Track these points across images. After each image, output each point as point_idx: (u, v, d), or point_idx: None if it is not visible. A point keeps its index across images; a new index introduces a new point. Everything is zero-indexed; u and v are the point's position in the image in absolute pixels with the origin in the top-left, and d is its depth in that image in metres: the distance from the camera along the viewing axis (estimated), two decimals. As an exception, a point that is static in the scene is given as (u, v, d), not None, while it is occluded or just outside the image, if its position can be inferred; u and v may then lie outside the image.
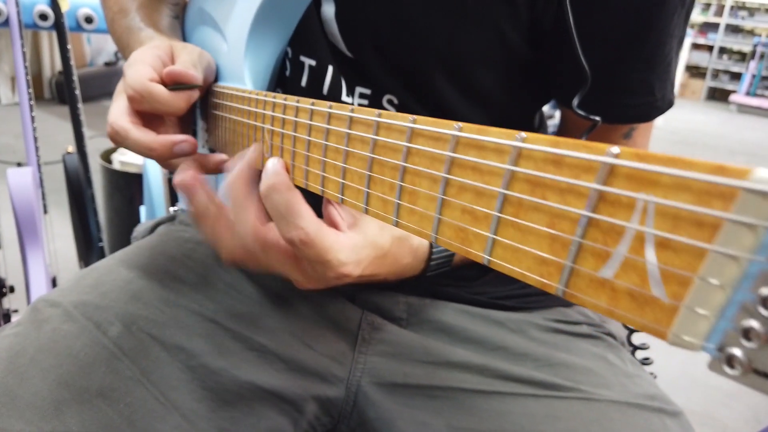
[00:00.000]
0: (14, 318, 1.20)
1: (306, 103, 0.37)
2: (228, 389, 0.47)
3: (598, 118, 0.47)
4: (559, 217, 0.19)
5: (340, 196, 0.35)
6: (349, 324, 0.53)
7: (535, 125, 0.60)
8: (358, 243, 0.39)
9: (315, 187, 0.38)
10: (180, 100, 0.46)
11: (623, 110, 0.52)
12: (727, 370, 0.14)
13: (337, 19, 0.50)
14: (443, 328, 0.53)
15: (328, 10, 0.51)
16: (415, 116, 0.27)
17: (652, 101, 0.51)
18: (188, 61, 0.48)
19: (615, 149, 0.16)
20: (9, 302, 1.18)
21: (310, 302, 0.53)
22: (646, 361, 0.57)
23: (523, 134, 0.20)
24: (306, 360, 0.50)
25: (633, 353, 0.57)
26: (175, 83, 0.46)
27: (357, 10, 0.50)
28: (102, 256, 1.43)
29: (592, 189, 0.17)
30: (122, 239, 1.78)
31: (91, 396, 0.42)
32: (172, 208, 0.66)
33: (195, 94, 0.48)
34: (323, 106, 0.35)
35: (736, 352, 0.13)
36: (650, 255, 0.15)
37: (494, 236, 0.22)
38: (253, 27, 0.49)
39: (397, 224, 0.29)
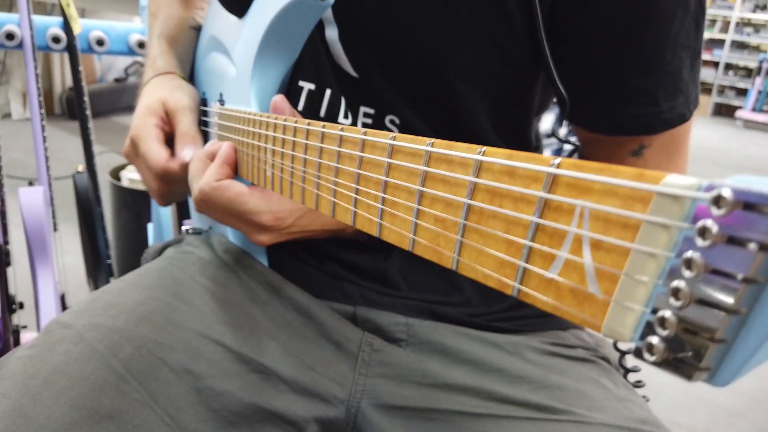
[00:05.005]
0: (23, 334, 1.21)
1: (303, 123, 0.39)
2: (232, 411, 0.47)
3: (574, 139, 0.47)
4: (514, 224, 0.20)
5: (332, 202, 0.37)
6: (350, 345, 0.54)
7: (533, 142, 0.60)
8: (272, 198, 0.47)
9: (310, 204, 0.40)
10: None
11: (622, 119, 0.50)
12: (647, 356, 0.15)
13: (341, 40, 0.53)
14: (442, 350, 0.54)
15: (332, 34, 0.53)
16: (395, 134, 0.29)
17: (657, 112, 0.48)
18: (189, 132, 0.56)
19: (557, 160, 0.18)
20: (18, 318, 1.20)
21: (312, 323, 0.54)
22: (638, 384, 0.57)
23: (483, 148, 0.22)
24: (308, 382, 0.51)
25: (625, 376, 0.57)
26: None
27: (357, 29, 0.52)
28: (110, 273, 1.45)
29: (539, 197, 0.19)
30: (129, 256, 1.80)
31: (101, 418, 0.43)
32: (183, 227, 0.68)
33: None
34: (317, 126, 0.38)
35: (654, 340, 0.15)
36: (587, 255, 0.17)
37: (462, 239, 0.23)
38: (259, 53, 0.51)
39: (381, 228, 0.31)
